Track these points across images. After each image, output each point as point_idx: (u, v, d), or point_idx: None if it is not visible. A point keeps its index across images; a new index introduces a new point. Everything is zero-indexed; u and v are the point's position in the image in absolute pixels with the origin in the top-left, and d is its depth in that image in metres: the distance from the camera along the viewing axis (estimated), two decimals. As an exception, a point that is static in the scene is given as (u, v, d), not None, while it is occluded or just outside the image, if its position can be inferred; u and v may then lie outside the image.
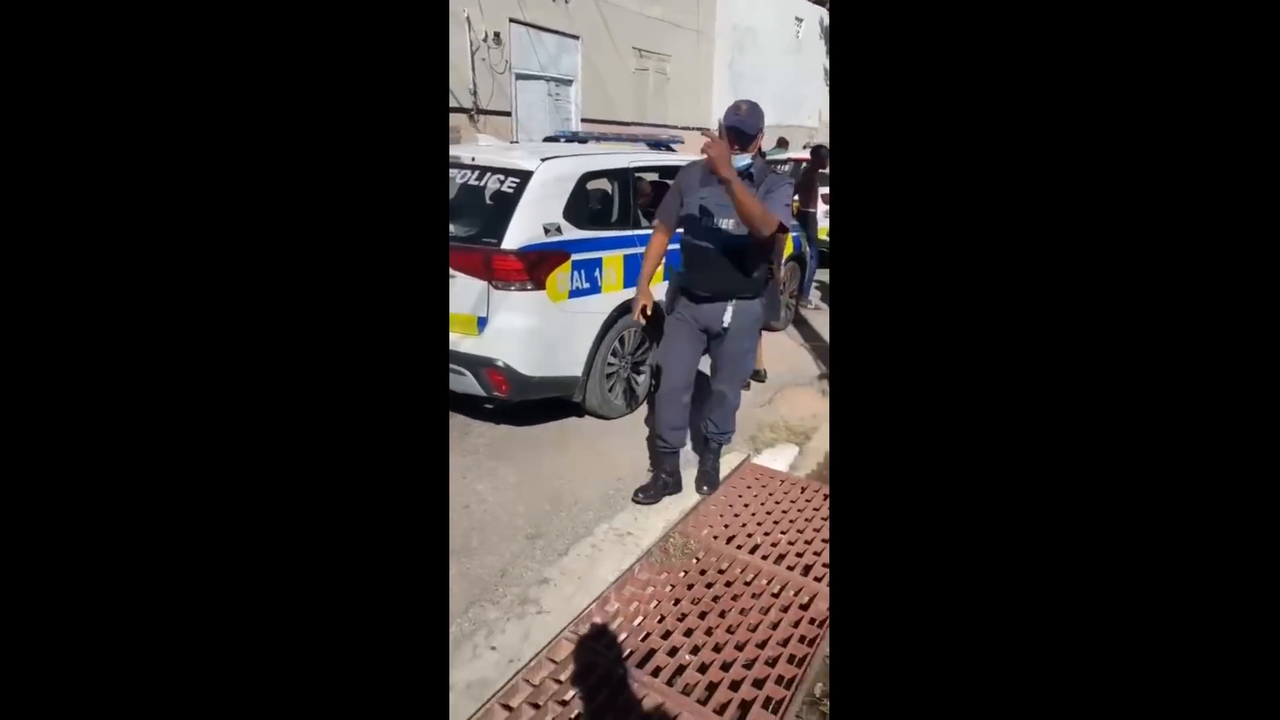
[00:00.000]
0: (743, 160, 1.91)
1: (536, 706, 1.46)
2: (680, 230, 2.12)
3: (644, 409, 3.07)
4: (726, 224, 1.98)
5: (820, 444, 2.93)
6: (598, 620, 1.73)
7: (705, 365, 2.30)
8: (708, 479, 2.41)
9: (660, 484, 2.32)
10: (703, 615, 1.76)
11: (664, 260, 2.29)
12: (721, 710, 1.46)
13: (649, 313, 2.17)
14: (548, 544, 2.07)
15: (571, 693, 1.49)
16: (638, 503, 2.26)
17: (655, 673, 1.55)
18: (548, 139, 3.83)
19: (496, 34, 7.45)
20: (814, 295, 5.43)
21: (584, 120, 8.55)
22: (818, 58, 13.42)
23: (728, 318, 2.07)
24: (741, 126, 1.88)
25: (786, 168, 7.53)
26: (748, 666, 1.59)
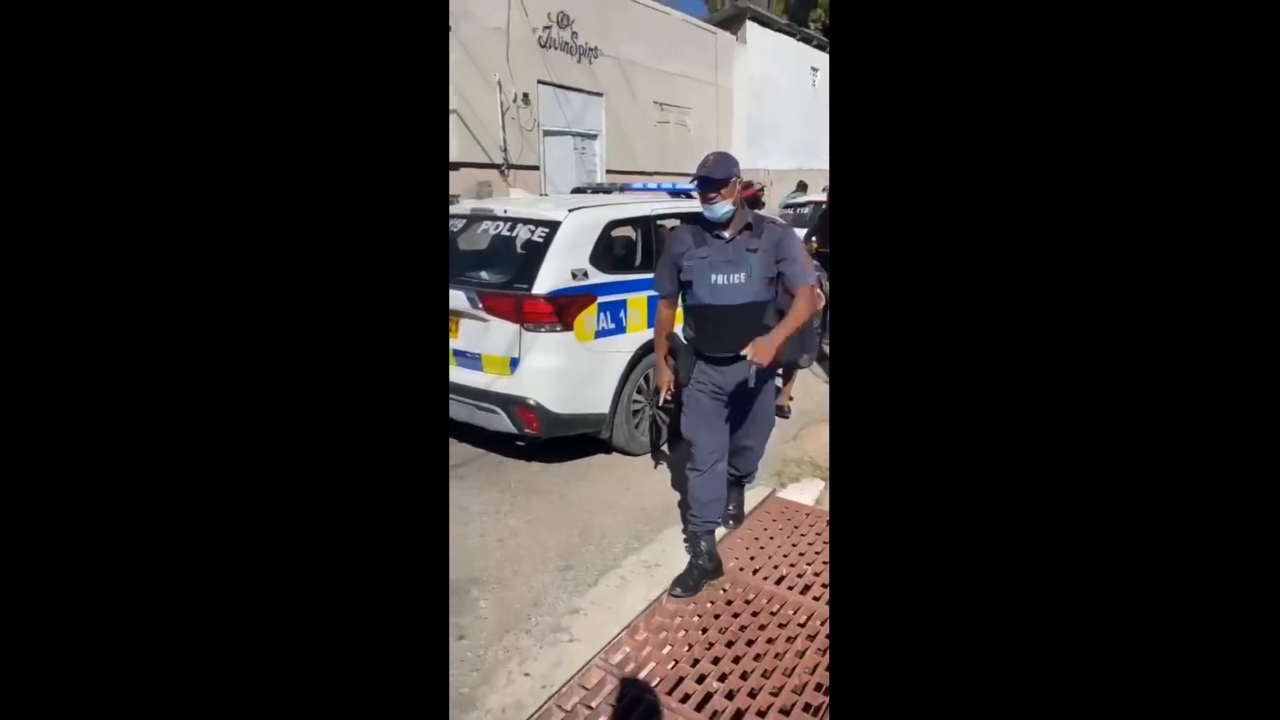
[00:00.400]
0: (723, 207, 1.87)
1: (569, 730, 1.51)
2: (684, 295, 2.01)
3: (667, 449, 3.14)
4: (736, 279, 1.90)
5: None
6: (627, 648, 1.78)
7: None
8: (734, 514, 2.41)
9: (698, 572, 2.05)
10: (729, 644, 1.80)
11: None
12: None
13: (673, 391, 2.11)
14: (578, 575, 2.13)
15: (603, 718, 1.54)
16: (675, 596, 1.99)
17: (684, 699, 1.59)
18: (575, 190, 4.04)
19: (525, 95, 7.89)
20: (837, 333, 5.48)
21: (609, 171, 8.90)
22: (834, 104, 13.77)
23: (752, 376, 1.92)
24: (709, 174, 1.84)
25: (806, 210, 7.70)
26: (774, 694, 1.62)
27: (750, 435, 2.16)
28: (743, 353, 1.74)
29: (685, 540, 2.25)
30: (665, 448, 3.13)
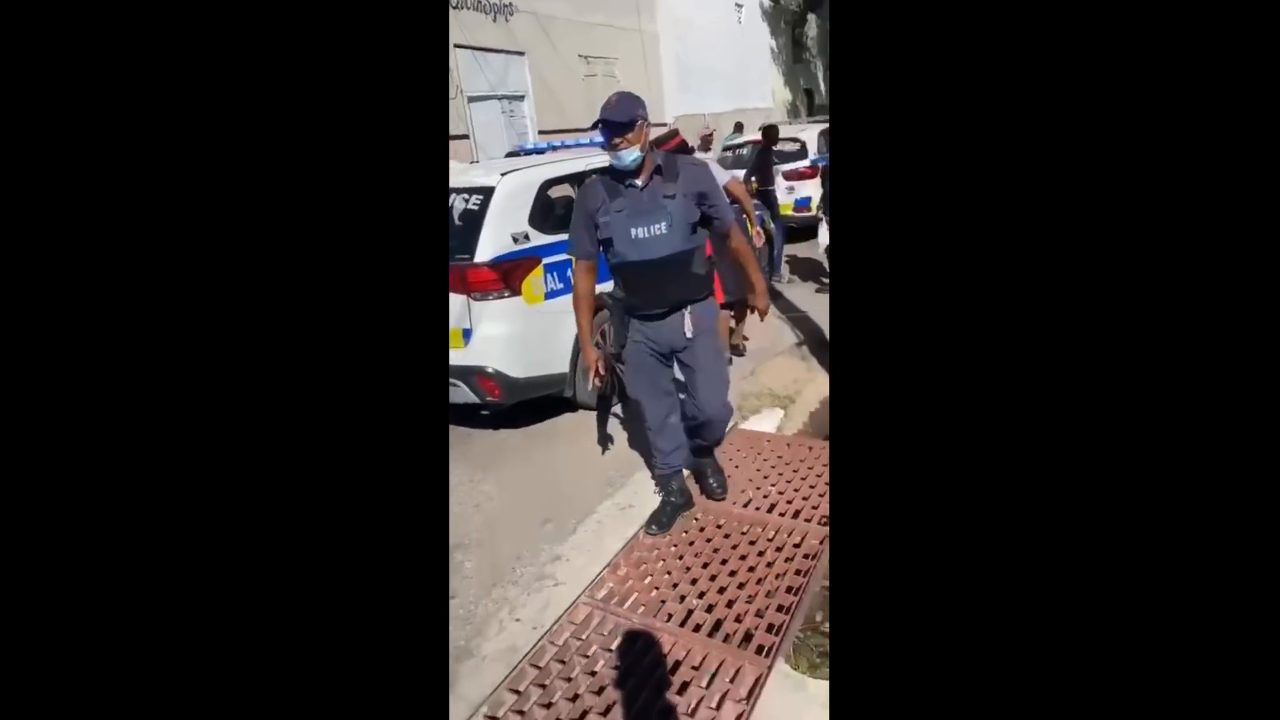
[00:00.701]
0: (630, 154, 1.73)
1: (562, 662, 1.61)
2: (605, 254, 1.87)
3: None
4: (656, 229, 1.77)
5: (804, 405, 3.09)
6: (611, 584, 1.88)
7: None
8: (718, 484, 2.23)
9: (671, 507, 2.10)
10: (705, 565, 1.92)
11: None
12: (727, 639, 1.62)
13: (603, 372, 1.98)
14: (557, 526, 2.22)
15: (593, 647, 1.64)
16: (651, 534, 2.05)
17: (668, 619, 1.71)
18: (509, 154, 3.98)
19: (444, 61, 7.58)
20: (784, 269, 5.60)
21: (541, 132, 8.70)
22: (763, 39, 13.62)
23: (689, 328, 1.87)
24: (611, 117, 1.69)
25: (745, 150, 7.70)
26: (750, 601, 1.74)
27: (703, 395, 1.97)
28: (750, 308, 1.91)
29: (655, 483, 2.31)
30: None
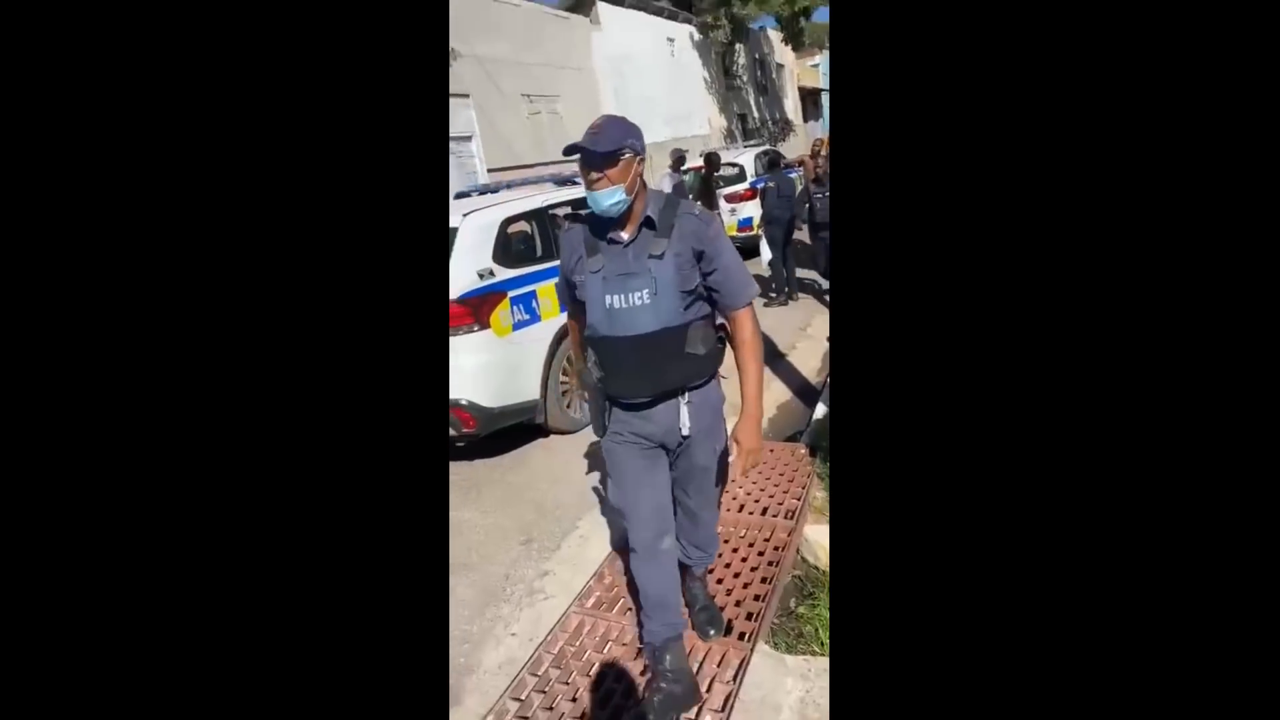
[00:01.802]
0: (610, 196, 1.28)
1: (560, 668, 1.71)
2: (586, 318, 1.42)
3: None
4: (638, 299, 1.33)
5: (768, 410, 3.29)
6: (598, 593, 2.00)
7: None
8: (711, 619, 1.71)
9: (666, 699, 1.45)
10: (683, 566, 2.06)
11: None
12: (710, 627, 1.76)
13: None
14: (541, 544, 2.33)
15: (588, 652, 1.76)
16: None
17: (654, 618, 1.84)
18: (459, 195, 4.12)
19: (388, 106, 7.69)
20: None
21: (489, 170, 8.87)
22: (696, 70, 14.21)
23: (685, 421, 1.41)
24: (590, 145, 1.25)
25: (688, 177, 8.03)
26: (729, 593, 1.89)
27: (698, 498, 1.55)
28: (727, 447, 1.41)
29: (642, 653, 1.62)
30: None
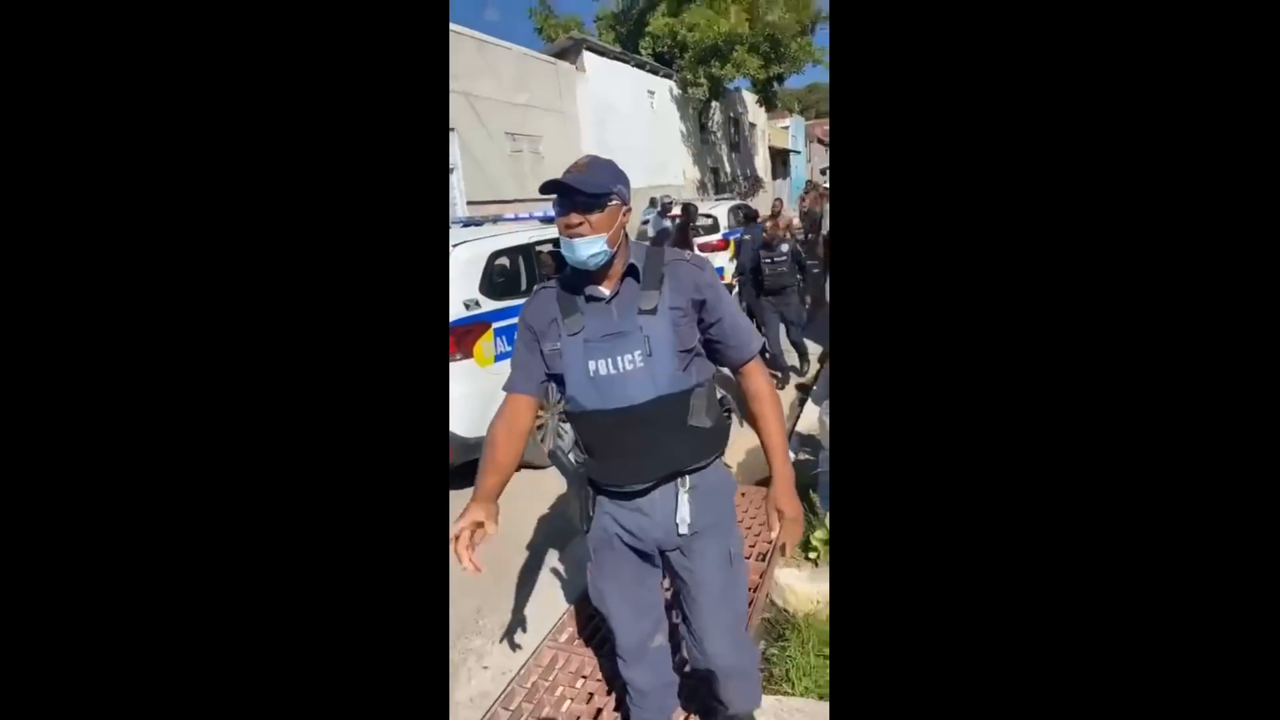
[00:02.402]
0: (589, 246, 1.07)
1: (533, 702, 1.71)
2: (560, 395, 1.20)
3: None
4: (628, 362, 1.11)
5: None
6: (571, 628, 2.00)
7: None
8: None
9: None
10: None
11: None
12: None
13: (475, 541, 1.21)
14: (514, 579, 2.32)
15: (560, 686, 1.76)
16: None
17: (628, 654, 1.85)
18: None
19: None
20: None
21: (469, 203, 8.96)
22: (673, 123, 14.77)
23: (685, 514, 1.16)
24: (573, 183, 1.06)
25: (666, 223, 8.27)
26: (702, 632, 1.92)
27: (709, 640, 1.21)
28: (773, 539, 1.17)
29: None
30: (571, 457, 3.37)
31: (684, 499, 1.17)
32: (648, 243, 1.32)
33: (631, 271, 1.15)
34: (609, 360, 1.12)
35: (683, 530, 1.17)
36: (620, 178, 1.13)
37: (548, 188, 1.07)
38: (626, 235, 1.17)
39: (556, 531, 2.63)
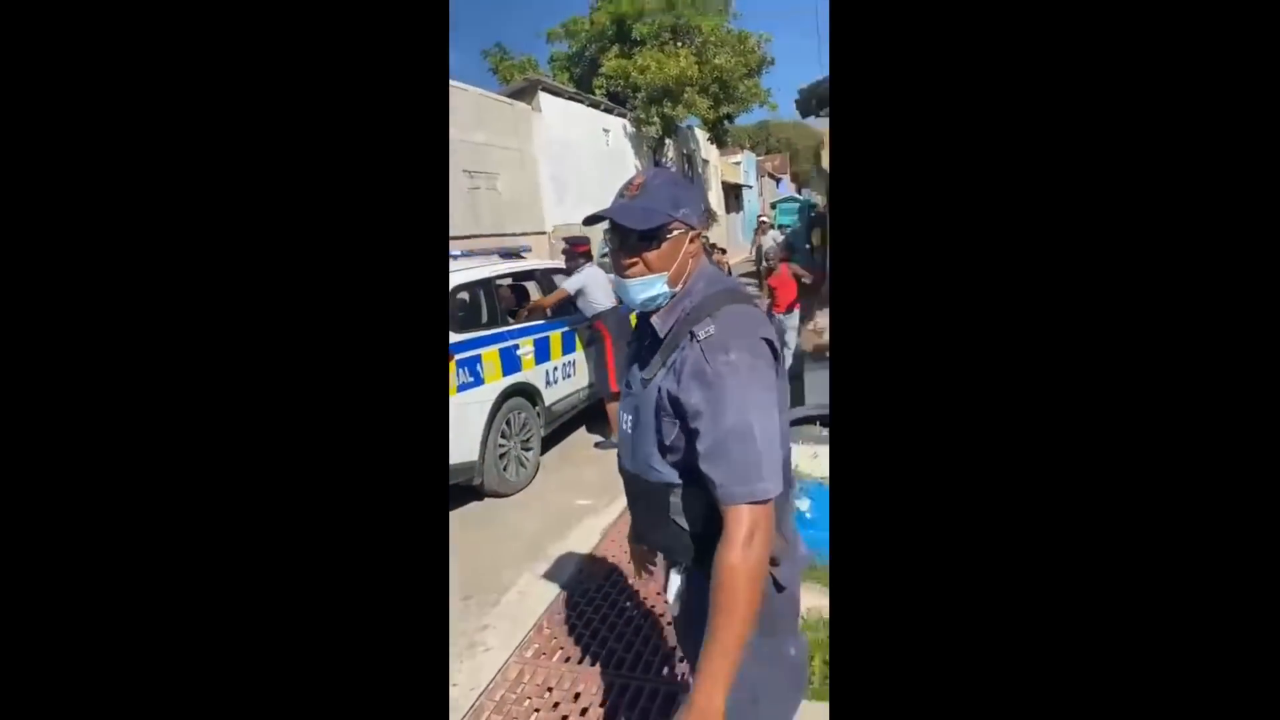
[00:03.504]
0: (646, 288, 0.90)
1: (501, 715, 1.78)
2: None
3: (534, 484, 3.47)
4: (627, 423, 0.96)
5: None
6: (537, 644, 2.08)
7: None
8: None
9: None
10: (620, 613, 2.18)
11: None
12: (648, 669, 1.89)
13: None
14: (480, 600, 2.38)
15: (528, 699, 1.83)
16: None
17: (593, 663, 1.94)
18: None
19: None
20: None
21: (427, 238, 9.01)
22: (629, 159, 15.21)
23: (673, 591, 0.97)
24: (625, 221, 0.87)
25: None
26: (663, 634, 2.03)
27: None
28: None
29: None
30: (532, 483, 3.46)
31: (673, 581, 0.97)
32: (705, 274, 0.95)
33: (681, 317, 0.89)
34: (624, 410, 0.97)
35: (673, 610, 0.99)
36: (683, 198, 0.90)
37: (591, 220, 0.91)
38: (707, 254, 1.02)
39: (520, 557, 2.70)
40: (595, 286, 3.78)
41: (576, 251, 3.84)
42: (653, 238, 0.88)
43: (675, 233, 0.89)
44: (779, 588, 0.91)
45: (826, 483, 2.24)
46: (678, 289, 0.91)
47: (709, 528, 0.85)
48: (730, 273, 4.89)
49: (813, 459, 2.26)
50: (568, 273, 3.88)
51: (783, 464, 0.87)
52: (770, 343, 0.87)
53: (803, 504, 2.29)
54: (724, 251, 6.38)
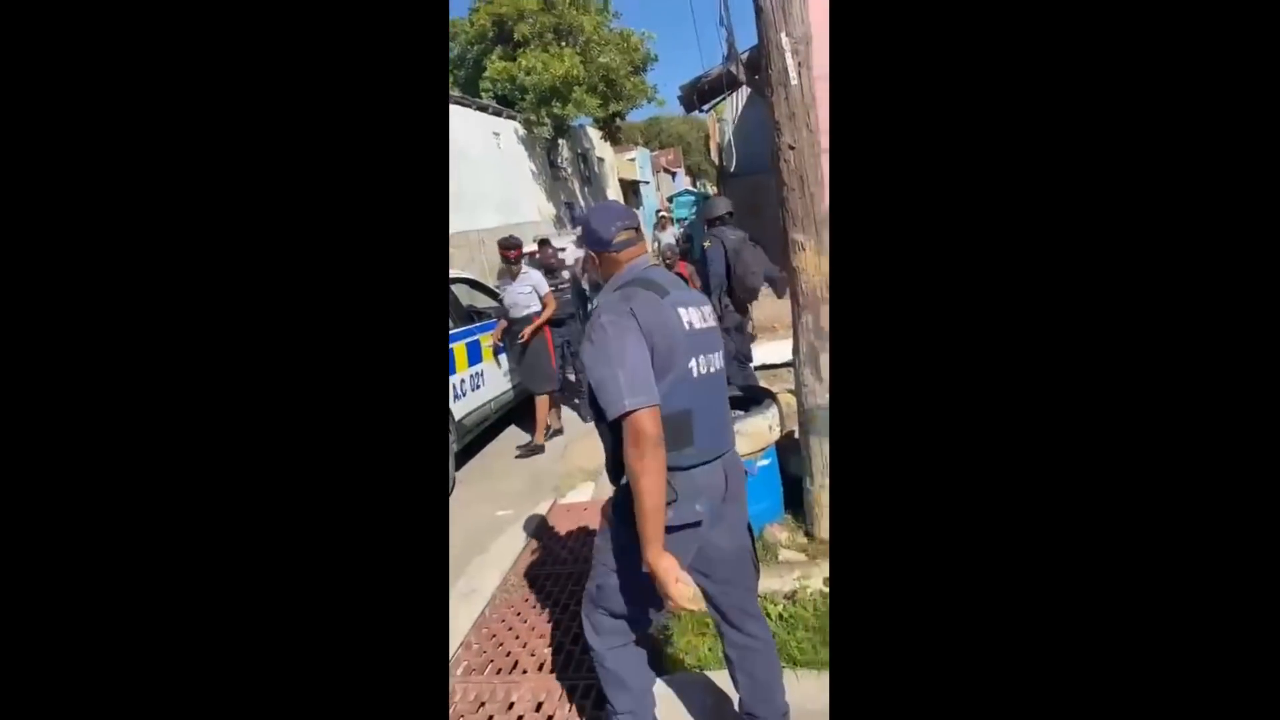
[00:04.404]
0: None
1: (435, 737, 1.75)
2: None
3: (452, 500, 3.40)
4: None
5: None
6: (466, 660, 2.05)
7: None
8: None
9: None
10: (549, 620, 2.20)
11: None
12: (580, 669, 1.92)
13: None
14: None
15: (461, 718, 1.81)
16: None
17: (524, 672, 1.95)
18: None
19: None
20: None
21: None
22: (523, 162, 15.02)
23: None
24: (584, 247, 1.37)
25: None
26: (591, 636, 2.06)
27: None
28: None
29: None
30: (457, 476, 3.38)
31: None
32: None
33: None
34: None
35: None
36: (599, 220, 1.35)
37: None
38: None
39: (457, 555, 2.64)
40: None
41: (514, 256, 4.06)
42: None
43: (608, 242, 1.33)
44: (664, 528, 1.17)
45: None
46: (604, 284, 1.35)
47: (615, 449, 1.19)
48: (561, 264, 5.16)
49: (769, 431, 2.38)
50: (509, 276, 4.10)
51: (679, 417, 1.19)
52: (634, 312, 1.19)
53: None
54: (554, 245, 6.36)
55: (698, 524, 1.23)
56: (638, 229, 1.37)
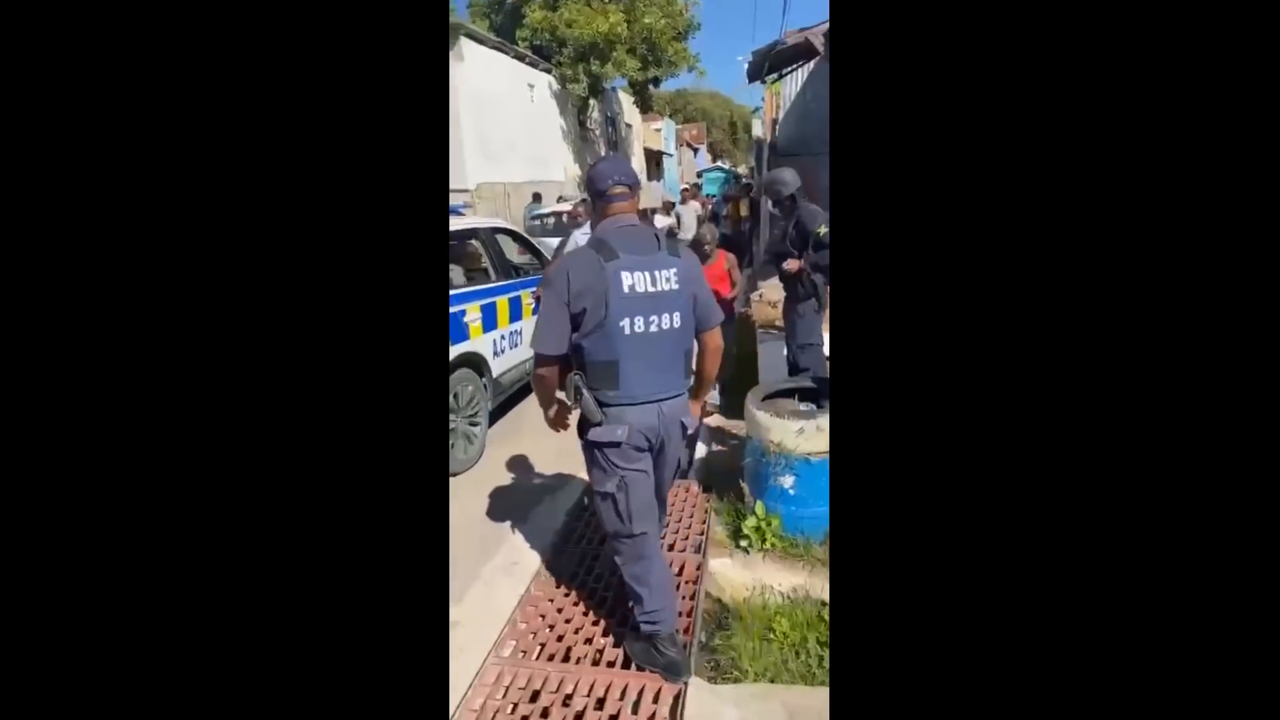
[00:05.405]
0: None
1: (486, 724, 1.61)
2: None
3: (484, 461, 3.24)
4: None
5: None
6: (513, 641, 1.91)
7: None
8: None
9: (670, 664, 1.70)
10: (602, 604, 2.05)
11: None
12: (640, 668, 1.77)
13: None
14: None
15: (511, 704, 1.67)
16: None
17: (578, 661, 1.80)
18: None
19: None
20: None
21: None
22: (554, 119, 14.58)
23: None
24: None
25: (551, 221, 8.13)
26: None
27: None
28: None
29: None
30: (480, 460, 3.22)
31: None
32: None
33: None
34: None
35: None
36: (604, 170, 1.59)
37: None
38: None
39: (483, 543, 2.49)
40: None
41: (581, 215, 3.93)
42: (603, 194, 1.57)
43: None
44: (588, 443, 1.59)
45: (812, 459, 2.20)
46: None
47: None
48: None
49: (797, 435, 2.20)
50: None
51: (604, 365, 1.50)
52: (568, 276, 1.45)
53: (786, 480, 2.25)
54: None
55: (618, 444, 1.54)
56: (633, 187, 1.54)
